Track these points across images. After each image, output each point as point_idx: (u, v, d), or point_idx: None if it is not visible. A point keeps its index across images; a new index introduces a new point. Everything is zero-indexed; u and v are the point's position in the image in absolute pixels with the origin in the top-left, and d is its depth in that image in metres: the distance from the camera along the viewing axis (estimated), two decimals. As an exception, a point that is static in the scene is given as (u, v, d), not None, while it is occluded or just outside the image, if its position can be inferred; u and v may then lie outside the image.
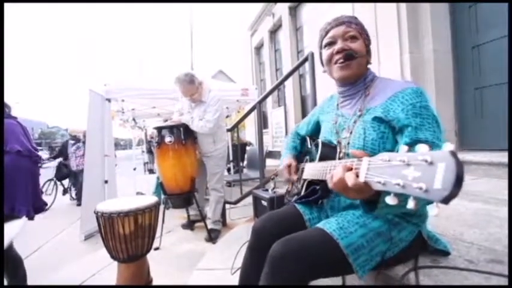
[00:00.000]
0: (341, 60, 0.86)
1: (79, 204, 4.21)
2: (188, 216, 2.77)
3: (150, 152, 8.50)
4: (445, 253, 0.86)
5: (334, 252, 0.73)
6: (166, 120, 2.78)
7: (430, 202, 0.40)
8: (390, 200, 0.47)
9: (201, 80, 2.50)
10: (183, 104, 2.67)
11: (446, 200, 0.37)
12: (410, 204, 0.42)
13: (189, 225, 2.74)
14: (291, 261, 0.72)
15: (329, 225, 0.79)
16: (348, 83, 0.92)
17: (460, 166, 0.36)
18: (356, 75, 0.88)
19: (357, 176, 0.55)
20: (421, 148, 0.42)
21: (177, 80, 2.41)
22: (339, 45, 0.87)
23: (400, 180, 0.42)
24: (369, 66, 0.92)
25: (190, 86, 2.41)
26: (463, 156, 2.25)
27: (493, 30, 2.36)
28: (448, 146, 0.39)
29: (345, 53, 0.85)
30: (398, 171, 0.43)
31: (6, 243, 0.71)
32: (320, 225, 0.81)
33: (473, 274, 0.76)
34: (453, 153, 0.37)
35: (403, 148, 0.45)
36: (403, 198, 0.45)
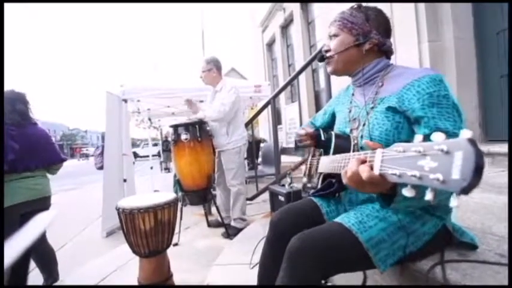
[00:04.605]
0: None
1: None
2: (205, 213, 2.81)
3: (166, 150, 8.67)
4: (472, 247, 0.82)
5: (353, 247, 0.72)
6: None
7: (449, 193, 0.38)
8: (407, 192, 0.45)
9: (219, 66, 2.63)
10: (208, 97, 2.76)
11: (465, 191, 0.35)
12: (429, 196, 0.40)
13: (217, 222, 2.71)
14: (310, 256, 0.71)
15: (347, 219, 0.78)
16: (352, 74, 0.92)
17: (479, 154, 0.34)
18: (341, 69, 0.91)
19: (371, 168, 0.53)
20: (437, 137, 0.40)
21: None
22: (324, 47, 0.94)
23: (416, 171, 0.41)
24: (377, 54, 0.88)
25: (205, 63, 2.60)
26: (488, 148, 2.14)
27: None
28: (466, 133, 0.36)
29: (319, 55, 0.94)
30: (413, 162, 0.42)
31: (38, 233, 0.74)
32: (338, 219, 0.80)
33: (505, 268, 0.72)
34: (471, 141, 0.35)
35: (417, 137, 0.43)
36: (420, 189, 0.43)
